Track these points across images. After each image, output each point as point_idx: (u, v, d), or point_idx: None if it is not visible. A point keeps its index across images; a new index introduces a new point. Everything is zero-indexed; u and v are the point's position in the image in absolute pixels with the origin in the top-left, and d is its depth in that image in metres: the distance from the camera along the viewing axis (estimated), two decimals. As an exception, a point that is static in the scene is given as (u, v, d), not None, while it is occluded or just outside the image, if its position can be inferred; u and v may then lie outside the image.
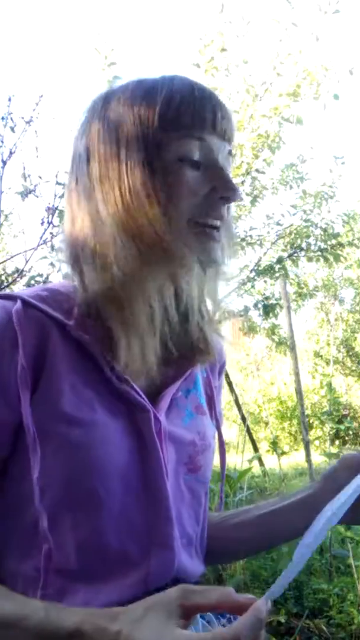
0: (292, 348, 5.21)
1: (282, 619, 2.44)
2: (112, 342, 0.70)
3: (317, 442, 7.27)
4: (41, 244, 2.54)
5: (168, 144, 0.70)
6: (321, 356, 8.93)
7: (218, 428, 0.88)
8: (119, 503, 0.69)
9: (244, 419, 5.14)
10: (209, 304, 0.82)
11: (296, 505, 0.85)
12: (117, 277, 0.69)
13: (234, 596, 0.55)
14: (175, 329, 0.78)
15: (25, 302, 0.70)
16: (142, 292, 0.71)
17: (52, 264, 2.62)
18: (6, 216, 3.23)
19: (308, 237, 4.66)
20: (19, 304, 0.70)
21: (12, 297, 0.71)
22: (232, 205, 0.77)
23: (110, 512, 0.69)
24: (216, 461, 0.91)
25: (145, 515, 0.71)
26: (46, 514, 0.66)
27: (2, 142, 2.50)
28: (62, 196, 2.46)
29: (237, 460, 3.60)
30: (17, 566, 0.69)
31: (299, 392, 5.01)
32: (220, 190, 0.72)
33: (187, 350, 0.81)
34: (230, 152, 0.76)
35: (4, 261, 3.07)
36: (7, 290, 2.85)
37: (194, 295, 0.78)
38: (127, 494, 0.70)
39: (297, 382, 5.12)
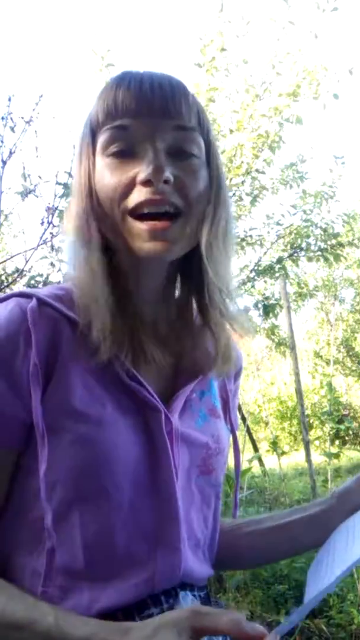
0: (292, 348, 5.21)
1: (282, 619, 2.44)
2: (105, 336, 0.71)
3: (317, 442, 7.28)
4: (41, 244, 2.54)
5: (96, 140, 0.73)
6: (321, 356, 8.94)
7: (233, 432, 0.87)
8: (127, 501, 0.69)
9: (244, 419, 5.14)
10: (222, 299, 0.78)
11: (308, 520, 0.84)
12: (78, 274, 0.73)
13: (243, 625, 0.55)
14: (184, 340, 0.80)
15: (40, 300, 0.71)
16: (93, 284, 0.72)
17: (52, 264, 2.62)
18: (6, 216, 3.23)
19: (308, 237, 4.65)
20: (34, 302, 0.70)
21: (28, 295, 0.72)
22: (200, 185, 0.73)
23: (119, 510, 0.68)
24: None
25: (153, 515, 0.71)
26: (51, 510, 0.66)
27: (2, 142, 2.50)
28: (62, 196, 2.46)
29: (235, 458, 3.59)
30: (24, 561, 0.69)
31: (299, 392, 5.01)
32: (141, 173, 0.69)
33: (203, 358, 0.80)
34: (181, 127, 0.71)
35: (4, 261, 3.07)
36: (7, 291, 2.85)
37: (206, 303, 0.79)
38: (135, 492, 0.70)
39: (297, 382, 5.12)
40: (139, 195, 0.69)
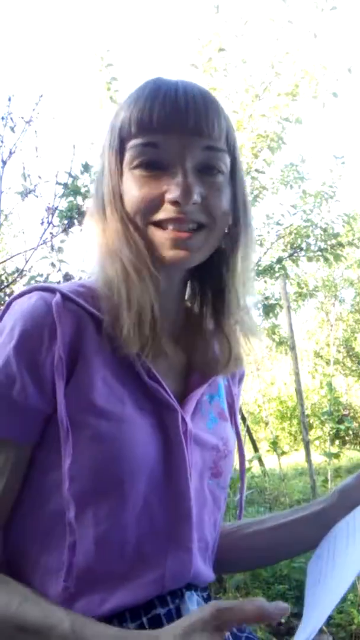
0: (292, 348, 5.20)
1: (282, 619, 2.44)
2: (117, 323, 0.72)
3: (317, 442, 7.27)
4: (41, 244, 2.54)
5: (125, 150, 0.73)
6: (321, 356, 8.94)
7: (237, 435, 0.88)
8: (141, 499, 0.69)
9: (244, 419, 5.14)
10: (235, 306, 0.81)
11: (309, 519, 0.85)
12: (111, 279, 0.73)
13: (267, 608, 0.55)
14: (197, 342, 0.81)
15: (64, 295, 0.71)
16: (131, 286, 0.72)
17: (52, 264, 2.62)
18: (6, 216, 3.23)
19: (308, 237, 4.66)
20: (58, 296, 0.71)
21: (51, 290, 0.72)
22: (223, 202, 0.75)
23: (133, 508, 0.69)
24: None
25: (166, 514, 0.71)
26: (74, 504, 0.66)
27: (2, 142, 2.50)
28: (62, 196, 2.46)
29: (237, 460, 3.59)
30: (38, 557, 0.69)
31: (299, 392, 5.01)
32: (170, 192, 0.71)
33: (214, 360, 0.82)
34: (212, 147, 0.73)
35: (4, 261, 3.07)
36: (7, 290, 2.84)
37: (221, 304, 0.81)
38: (150, 490, 0.70)
39: (297, 382, 5.12)
40: (165, 212, 0.71)
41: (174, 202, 0.70)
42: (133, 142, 0.72)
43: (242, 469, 0.92)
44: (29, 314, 0.69)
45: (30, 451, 0.70)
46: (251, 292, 0.83)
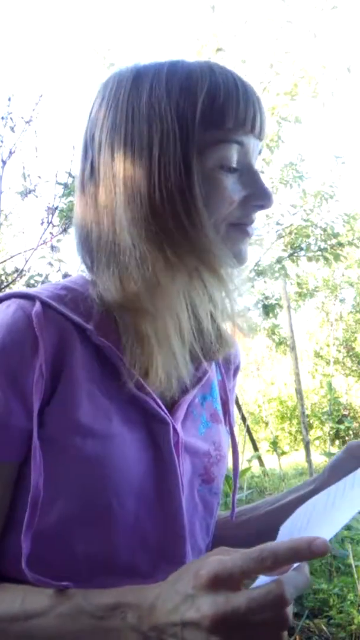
0: (292, 348, 5.21)
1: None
2: (135, 352, 0.68)
3: (317, 442, 7.27)
4: (41, 244, 2.54)
5: (208, 146, 0.67)
6: (321, 356, 8.93)
7: (231, 431, 0.85)
8: (132, 518, 0.67)
9: (244, 419, 5.14)
10: (229, 303, 0.79)
11: (302, 499, 0.81)
12: (139, 288, 0.66)
13: (277, 553, 0.49)
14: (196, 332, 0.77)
15: (44, 304, 0.67)
16: (168, 303, 0.68)
17: (50, 264, 2.62)
18: (6, 216, 3.22)
19: (308, 237, 4.66)
20: (38, 305, 0.66)
21: (29, 297, 0.67)
22: None
23: (123, 527, 0.66)
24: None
25: (157, 530, 0.69)
26: (61, 525, 0.64)
27: (1, 141, 2.50)
28: (62, 196, 2.46)
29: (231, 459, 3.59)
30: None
31: (299, 392, 5.01)
32: (256, 198, 0.71)
33: (205, 349, 0.78)
34: (260, 151, 0.74)
35: (4, 261, 3.07)
36: (8, 290, 2.84)
37: (216, 298, 0.77)
38: (141, 508, 0.67)
39: (297, 382, 5.12)
40: (244, 213, 0.71)
41: (260, 207, 0.71)
42: (225, 136, 0.67)
43: (235, 468, 0.89)
44: (7, 327, 0.64)
45: (16, 469, 0.66)
46: (238, 274, 0.79)
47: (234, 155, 0.68)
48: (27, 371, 0.64)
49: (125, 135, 0.67)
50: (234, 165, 0.69)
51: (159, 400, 0.71)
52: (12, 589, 0.62)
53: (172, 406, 0.74)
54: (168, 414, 0.71)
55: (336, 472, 0.79)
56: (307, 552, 0.48)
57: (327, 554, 0.49)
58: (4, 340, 0.64)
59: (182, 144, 0.65)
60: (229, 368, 0.90)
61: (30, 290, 0.69)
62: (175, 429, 0.71)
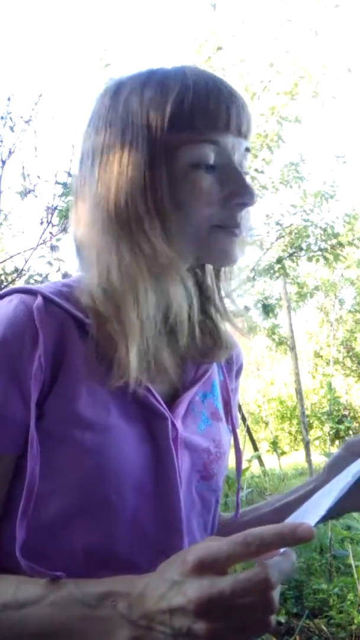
0: (292, 348, 5.21)
1: (282, 619, 2.44)
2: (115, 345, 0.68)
3: (317, 442, 7.27)
4: (41, 244, 2.54)
5: (178, 148, 0.67)
6: (321, 356, 8.94)
7: (234, 432, 0.86)
8: (131, 510, 0.67)
9: (244, 419, 5.14)
10: (225, 301, 0.81)
11: (303, 498, 0.80)
12: (115, 286, 0.68)
13: (262, 537, 0.49)
14: (190, 329, 0.77)
15: (46, 298, 0.68)
16: (139, 300, 0.68)
17: (49, 263, 2.62)
18: (5, 216, 3.22)
19: (308, 237, 4.65)
20: (39, 299, 0.67)
21: (31, 292, 0.69)
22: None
23: (122, 520, 0.67)
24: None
25: (156, 525, 0.69)
26: (58, 519, 0.65)
27: (1, 141, 2.50)
28: (61, 195, 2.46)
29: (233, 459, 3.59)
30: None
31: (299, 392, 5.01)
32: (237, 196, 0.70)
33: (204, 348, 0.79)
34: (247, 149, 0.73)
35: (4, 261, 3.07)
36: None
37: (209, 294, 0.79)
38: (139, 501, 0.68)
39: (297, 382, 5.12)
40: (229, 213, 0.70)
41: (240, 205, 0.70)
42: (195, 137, 0.67)
43: (239, 467, 0.89)
44: (8, 320, 0.66)
45: (14, 461, 0.66)
46: (236, 274, 0.82)
47: (208, 155, 0.68)
48: (27, 363, 0.65)
49: (103, 144, 0.70)
50: (210, 163, 0.68)
51: (157, 396, 0.71)
52: (5, 578, 0.62)
53: (172, 403, 0.75)
54: (167, 409, 0.72)
55: (335, 470, 0.79)
56: (292, 537, 0.48)
57: (312, 540, 0.49)
58: (5, 332, 0.65)
59: (149, 147, 0.67)
60: (232, 369, 0.90)
61: (32, 286, 0.71)
62: (173, 424, 0.72)
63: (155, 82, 0.69)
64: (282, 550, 0.51)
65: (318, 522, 0.57)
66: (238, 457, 0.89)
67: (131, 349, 0.67)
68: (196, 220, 0.69)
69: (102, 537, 0.66)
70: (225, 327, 0.81)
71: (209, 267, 0.81)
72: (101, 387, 0.68)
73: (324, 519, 0.60)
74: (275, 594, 0.49)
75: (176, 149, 0.68)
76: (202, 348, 0.79)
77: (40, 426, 0.65)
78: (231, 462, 0.87)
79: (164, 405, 0.72)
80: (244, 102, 0.71)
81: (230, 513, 0.91)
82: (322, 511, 0.57)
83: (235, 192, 0.70)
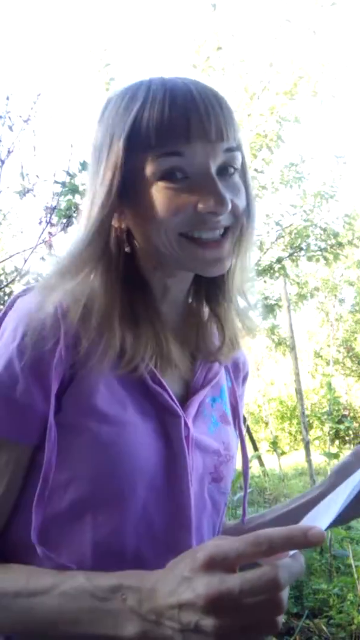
0: (292, 348, 5.20)
1: (282, 619, 2.43)
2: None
3: (317, 442, 7.27)
4: (40, 244, 2.54)
5: (142, 166, 0.68)
6: (321, 356, 8.94)
7: (241, 437, 0.87)
8: (141, 505, 0.68)
9: (244, 419, 5.13)
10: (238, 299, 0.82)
11: (309, 504, 0.82)
12: (94, 288, 0.71)
13: (272, 538, 0.49)
14: (197, 326, 0.80)
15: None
16: (115, 303, 0.71)
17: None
18: (4, 215, 3.22)
19: (308, 237, 4.65)
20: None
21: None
22: (249, 197, 0.76)
23: (132, 514, 0.68)
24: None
25: (165, 521, 0.70)
26: (72, 509, 0.66)
27: (0, 141, 2.49)
28: (60, 195, 2.45)
29: (237, 460, 3.59)
30: (39, 561, 0.67)
31: (299, 392, 5.01)
32: (202, 202, 0.68)
33: (212, 351, 0.81)
34: (230, 149, 0.71)
35: (3, 261, 3.06)
36: (7, 290, 2.83)
37: (214, 292, 0.81)
38: (150, 496, 0.69)
39: (297, 382, 5.12)
40: (197, 221, 0.69)
41: (210, 213, 0.68)
42: (154, 152, 0.68)
43: (245, 472, 0.90)
44: (31, 315, 0.68)
45: (32, 452, 0.68)
46: (249, 278, 0.82)
47: (170, 167, 0.68)
48: (49, 356, 0.67)
49: (91, 155, 0.75)
50: (175, 174, 0.68)
51: (172, 395, 0.73)
52: (18, 568, 0.64)
53: (184, 403, 0.76)
54: (180, 408, 0.74)
55: (342, 476, 0.80)
56: (303, 539, 0.48)
57: (322, 543, 0.50)
58: (29, 325, 0.67)
59: (115, 165, 0.69)
60: (238, 375, 0.92)
61: None
62: (186, 423, 0.73)
63: (125, 99, 0.71)
64: (291, 552, 0.51)
65: (329, 527, 0.57)
66: (245, 462, 0.90)
67: (135, 338, 0.70)
68: (165, 230, 0.69)
69: (112, 529, 0.67)
70: (233, 326, 0.83)
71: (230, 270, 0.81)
72: (118, 383, 0.70)
73: (334, 524, 0.60)
74: (284, 595, 0.49)
75: (141, 167, 0.69)
76: (210, 347, 0.81)
77: (57, 419, 0.66)
78: (237, 465, 0.87)
79: (178, 404, 0.73)
80: (211, 104, 0.69)
81: (233, 521, 0.92)
82: (332, 515, 0.57)
83: (202, 199, 0.68)
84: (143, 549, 0.68)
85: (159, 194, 0.69)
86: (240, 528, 0.89)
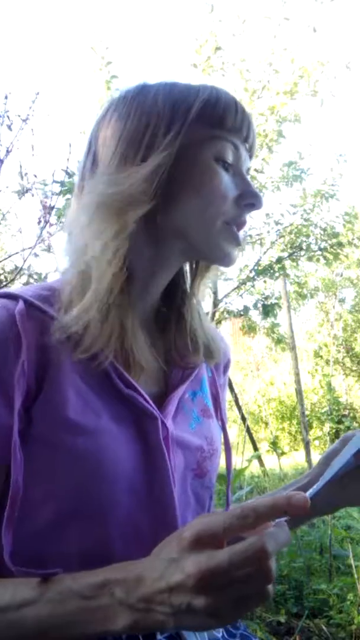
0: (292, 348, 5.20)
1: (282, 619, 2.43)
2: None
3: (317, 442, 7.26)
4: (39, 243, 2.53)
5: (206, 140, 0.72)
6: (321, 356, 8.93)
7: (223, 427, 0.86)
8: (125, 511, 0.67)
9: (244, 419, 5.13)
10: (208, 302, 0.83)
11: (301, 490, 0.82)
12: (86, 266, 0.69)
13: (258, 508, 0.50)
14: (173, 327, 0.80)
15: (27, 303, 0.68)
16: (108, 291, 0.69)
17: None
18: (3, 215, 3.21)
19: (308, 236, 4.64)
20: (21, 304, 0.67)
21: (13, 297, 0.68)
22: None
23: (117, 521, 0.67)
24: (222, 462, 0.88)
25: (151, 524, 0.69)
26: (55, 524, 0.64)
27: (-1, 140, 2.48)
28: (59, 194, 2.45)
29: (237, 460, 3.59)
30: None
31: (299, 392, 5.01)
32: (248, 197, 0.74)
33: (191, 350, 0.81)
34: (248, 170, 0.78)
35: (2, 260, 3.06)
36: (6, 289, 2.82)
37: (192, 293, 0.81)
38: (133, 502, 0.68)
39: (297, 382, 5.12)
40: (237, 214, 0.75)
41: (251, 206, 0.75)
42: (222, 131, 0.73)
43: (229, 461, 0.88)
44: None
45: (5, 469, 0.64)
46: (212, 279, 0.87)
47: (229, 153, 0.73)
48: (11, 369, 0.64)
49: (125, 126, 0.73)
50: (229, 161, 0.74)
51: (146, 396, 0.71)
52: (2, 582, 0.61)
53: (162, 402, 0.75)
54: (156, 409, 0.72)
55: (330, 463, 0.78)
56: (287, 506, 0.49)
57: (307, 508, 0.50)
58: None
59: (176, 135, 0.71)
60: (219, 365, 0.91)
61: (14, 290, 0.70)
62: (164, 423, 0.72)
63: (185, 86, 0.75)
64: (275, 521, 0.52)
65: (313, 494, 0.59)
66: (227, 450, 0.88)
67: (96, 326, 0.67)
68: (211, 215, 0.72)
69: (98, 539, 0.66)
70: (205, 331, 0.84)
71: (186, 269, 0.85)
72: (89, 390, 0.68)
73: (319, 494, 0.61)
74: (272, 564, 0.50)
75: (204, 141, 0.72)
76: (182, 352, 0.81)
77: (30, 432, 0.64)
78: (222, 459, 0.86)
79: (153, 405, 0.72)
80: (254, 126, 0.78)
81: (222, 509, 0.90)
82: (320, 483, 0.59)
83: (247, 193, 0.74)
84: (131, 553, 0.66)
85: (214, 175, 0.72)
86: None
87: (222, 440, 0.85)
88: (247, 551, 0.48)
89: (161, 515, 0.70)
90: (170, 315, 0.83)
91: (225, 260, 0.76)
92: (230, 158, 0.74)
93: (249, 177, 0.77)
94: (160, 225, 0.73)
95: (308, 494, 0.53)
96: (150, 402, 0.72)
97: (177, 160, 0.71)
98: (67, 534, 0.65)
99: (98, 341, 0.67)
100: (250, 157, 0.78)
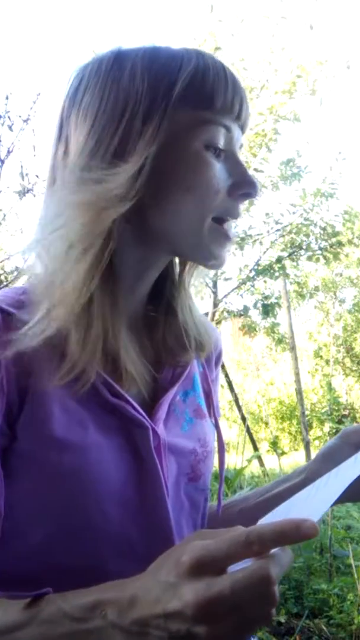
0: (292, 348, 5.20)
1: (282, 619, 2.43)
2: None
3: (317, 442, 7.26)
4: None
5: (191, 127, 0.64)
6: (321, 356, 8.92)
7: (216, 423, 0.82)
8: (117, 526, 0.65)
9: (244, 419, 5.13)
10: (208, 302, 0.81)
11: (294, 488, 0.78)
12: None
13: (264, 537, 0.46)
14: (162, 324, 0.76)
15: (4, 312, 0.63)
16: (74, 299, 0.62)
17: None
18: (4, 215, 3.21)
19: (307, 235, 4.64)
20: None
21: None
22: None
23: (108, 536, 0.64)
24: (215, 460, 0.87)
25: (144, 537, 0.67)
26: (48, 545, 0.61)
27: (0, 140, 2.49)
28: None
29: (237, 460, 3.59)
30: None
31: (299, 392, 5.01)
32: (243, 185, 0.66)
33: (182, 346, 0.77)
34: (241, 145, 0.71)
35: (2, 260, 3.06)
36: (6, 290, 2.81)
37: (181, 282, 0.77)
38: (126, 515, 0.65)
39: (297, 382, 5.11)
40: (229, 207, 0.67)
41: (246, 195, 0.67)
42: (213, 117, 0.64)
43: (222, 460, 0.84)
44: None
45: None
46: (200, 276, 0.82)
47: (220, 138, 0.65)
48: None
49: (99, 109, 0.64)
50: (221, 146, 0.65)
51: (135, 404, 0.68)
52: None
53: (152, 406, 0.71)
54: (146, 417, 0.68)
55: (329, 459, 0.76)
56: (296, 534, 0.45)
57: (316, 536, 0.47)
58: None
59: (155, 122, 0.62)
60: (210, 358, 0.87)
61: None
62: (155, 432, 0.68)
63: (165, 55, 0.65)
64: None
65: (320, 517, 0.54)
66: (221, 447, 0.85)
67: (79, 336, 0.62)
68: (201, 212, 0.65)
69: (90, 556, 0.64)
70: (195, 322, 0.79)
71: (175, 264, 0.79)
72: (75, 403, 0.64)
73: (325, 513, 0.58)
74: (276, 589, 0.47)
75: (189, 129, 0.64)
76: (173, 350, 0.76)
77: (15, 449, 0.61)
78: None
79: (143, 414, 0.68)
80: (246, 95, 0.69)
81: (214, 503, 0.87)
82: (324, 507, 0.54)
83: (241, 181, 0.66)
84: (125, 567, 0.63)
85: (206, 167, 0.64)
86: (227, 512, 0.85)
87: (216, 437, 0.82)
88: (251, 578, 0.45)
89: (154, 528, 0.67)
90: (159, 309, 0.78)
91: (215, 264, 0.70)
92: (221, 143, 0.65)
93: (242, 159, 0.69)
94: (145, 225, 0.67)
95: (315, 518, 0.49)
96: (140, 410, 0.68)
97: (161, 151, 0.63)
98: (57, 552, 0.63)
99: (82, 357, 0.62)
100: (243, 132, 0.69)
